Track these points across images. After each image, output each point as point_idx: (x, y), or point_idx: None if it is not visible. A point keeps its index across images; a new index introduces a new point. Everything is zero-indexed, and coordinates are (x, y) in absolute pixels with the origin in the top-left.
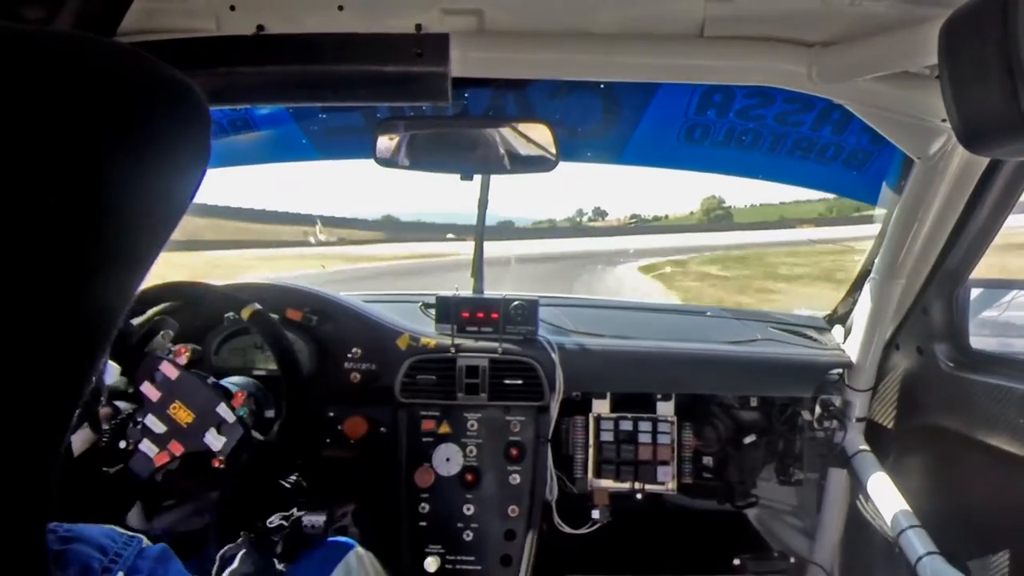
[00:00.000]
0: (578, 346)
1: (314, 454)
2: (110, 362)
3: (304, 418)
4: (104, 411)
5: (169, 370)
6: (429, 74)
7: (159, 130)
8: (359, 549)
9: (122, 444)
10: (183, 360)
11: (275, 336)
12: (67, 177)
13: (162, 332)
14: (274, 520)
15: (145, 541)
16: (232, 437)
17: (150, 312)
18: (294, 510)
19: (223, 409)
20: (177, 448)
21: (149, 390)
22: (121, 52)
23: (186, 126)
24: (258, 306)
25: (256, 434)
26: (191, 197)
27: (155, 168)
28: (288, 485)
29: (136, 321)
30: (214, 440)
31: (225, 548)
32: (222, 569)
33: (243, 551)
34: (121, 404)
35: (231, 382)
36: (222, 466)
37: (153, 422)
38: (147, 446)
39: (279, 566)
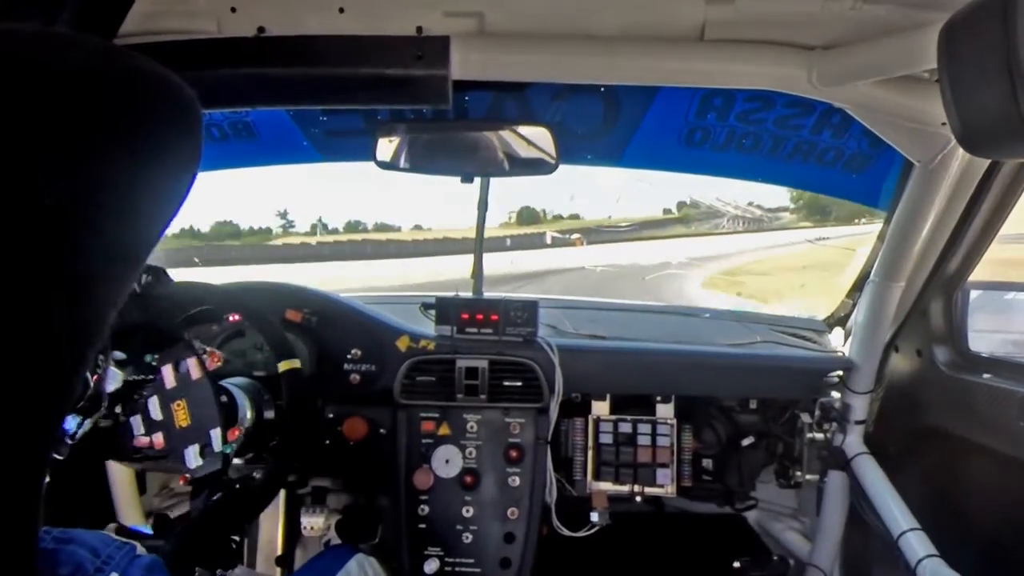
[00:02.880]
0: (578, 348)
1: (313, 455)
2: (112, 368)
3: (298, 447)
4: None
5: (194, 367)
6: (429, 77)
7: (150, 129)
8: (360, 556)
9: (117, 408)
10: (211, 365)
11: (295, 398)
12: (59, 177)
13: (214, 325)
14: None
15: (139, 549)
16: (208, 466)
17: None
18: (230, 572)
19: (215, 435)
20: (159, 443)
21: (168, 374)
22: (112, 52)
23: (177, 126)
24: (299, 364)
25: (231, 473)
26: (183, 197)
27: (147, 167)
28: (234, 545)
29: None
30: (192, 458)
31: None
32: None
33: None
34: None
35: (232, 383)
36: (185, 485)
37: (154, 406)
38: (137, 422)
39: None
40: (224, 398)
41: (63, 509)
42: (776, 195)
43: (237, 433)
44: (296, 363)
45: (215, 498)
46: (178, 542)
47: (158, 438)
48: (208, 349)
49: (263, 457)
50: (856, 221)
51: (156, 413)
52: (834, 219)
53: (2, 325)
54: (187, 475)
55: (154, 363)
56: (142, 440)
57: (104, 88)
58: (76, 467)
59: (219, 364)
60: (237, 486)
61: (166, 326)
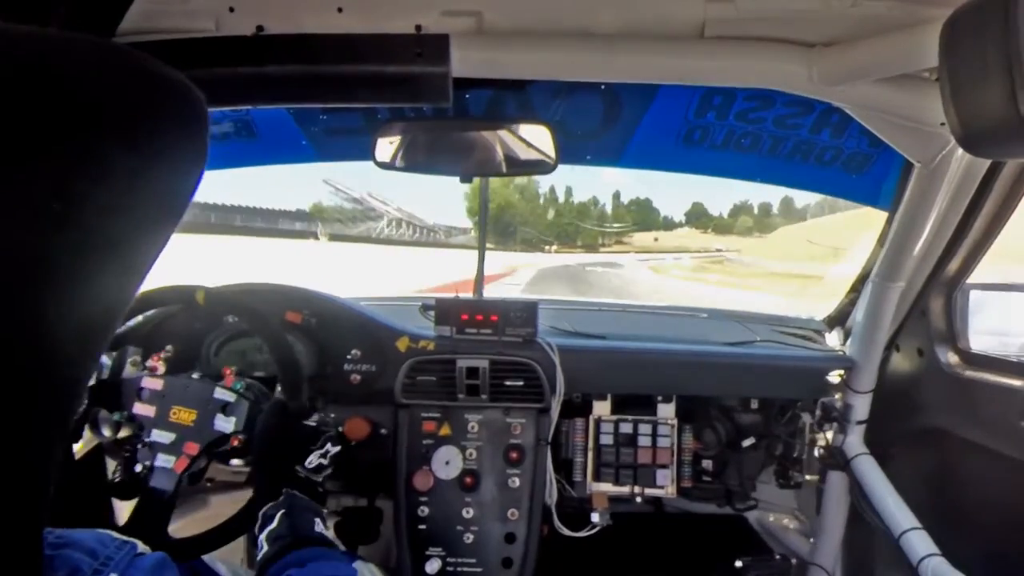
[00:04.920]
0: (578, 348)
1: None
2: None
3: (301, 396)
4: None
5: (152, 383)
6: (429, 75)
7: (158, 130)
8: (360, 563)
9: (137, 468)
10: (161, 369)
11: (241, 309)
12: (68, 179)
13: (129, 360)
14: (312, 460)
15: (140, 547)
16: (240, 412)
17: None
18: (328, 445)
19: (220, 392)
20: (192, 448)
21: (142, 409)
22: (120, 52)
23: (184, 126)
24: (208, 286)
25: (262, 402)
26: (189, 197)
27: (153, 168)
28: (313, 424)
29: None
30: (224, 423)
31: (267, 507)
32: (263, 528)
33: (282, 511)
34: (121, 411)
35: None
36: (240, 444)
37: (159, 435)
38: (163, 459)
39: (319, 527)
40: (195, 375)
41: (62, 510)
42: (455, 214)
43: (229, 373)
44: (206, 286)
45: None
46: (254, 453)
47: (188, 447)
48: (148, 364)
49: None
50: (547, 249)
51: (167, 437)
52: (519, 243)
53: (9, 329)
54: (239, 437)
55: (126, 416)
56: (180, 463)
57: (113, 89)
58: (75, 472)
59: (165, 361)
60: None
61: (105, 382)
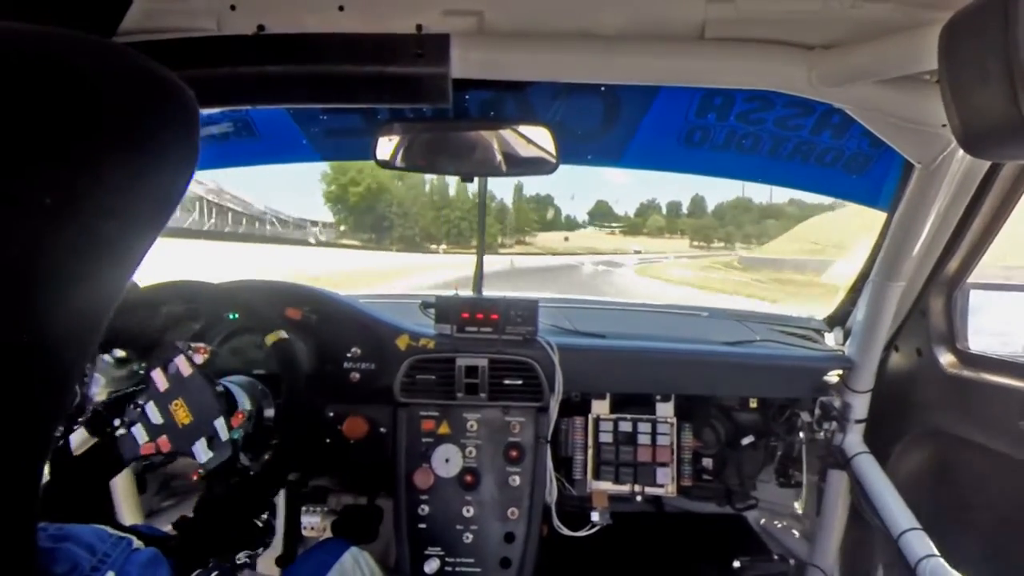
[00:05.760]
0: (577, 346)
1: (313, 454)
2: (96, 374)
3: (298, 445)
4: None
5: (183, 365)
6: (429, 75)
7: (148, 128)
8: (355, 549)
9: (116, 421)
10: (199, 359)
11: (290, 367)
12: (59, 176)
13: (189, 323)
14: (241, 557)
15: (136, 542)
16: (219, 456)
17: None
18: (260, 550)
19: (220, 424)
20: (165, 445)
21: (159, 378)
22: (119, 52)
23: (175, 125)
24: (284, 335)
25: (244, 460)
26: (180, 195)
27: (149, 168)
28: (260, 524)
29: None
30: (201, 452)
31: (197, 572)
32: None
33: (215, 573)
34: (125, 365)
35: (231, 381)
36: (198, 479)
37: (152, 411)
38: (139, 431)
39: None
40: (220, 388)
41: (62, 508)
42: (310, 204)
43: (241, 418)
44: (282, 333)
45: (230, 485)
46: (189, 532)
47: (163, 441)
48: (193, 345)
49: (265, 453)
50: (433, 248)
51: (156, 418)
52: (397, 240)
53: (2, 323)
54: (200, 470)
55: (142, 371)
56: (148, 447)
57: (105, 88)
58: (76, 470)
59: (207, 356)
60: (251, 473)
61: (145, 333)
